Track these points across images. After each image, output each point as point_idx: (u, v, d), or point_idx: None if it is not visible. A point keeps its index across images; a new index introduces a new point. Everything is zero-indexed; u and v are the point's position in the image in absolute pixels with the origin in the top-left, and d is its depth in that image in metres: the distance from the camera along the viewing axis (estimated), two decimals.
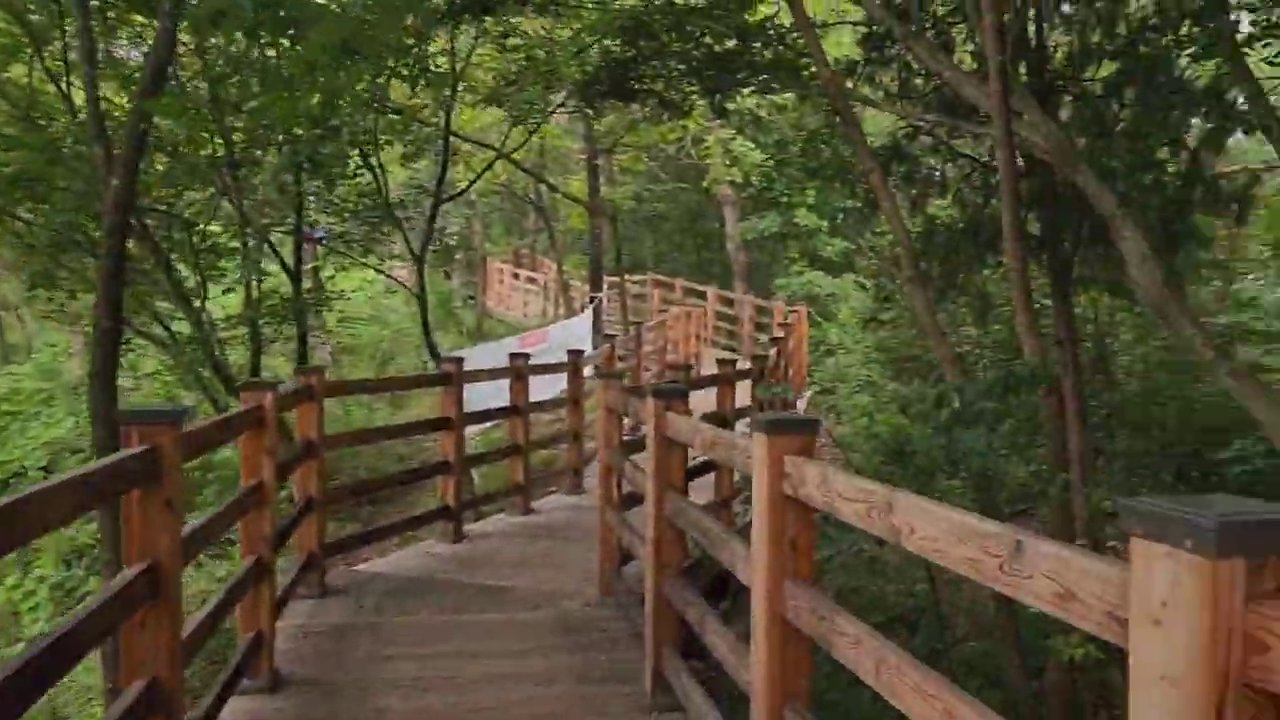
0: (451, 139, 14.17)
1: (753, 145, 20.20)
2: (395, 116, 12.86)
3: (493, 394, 10.26)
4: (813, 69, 9.04)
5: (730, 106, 11.81)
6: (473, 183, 15.90)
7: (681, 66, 11.27)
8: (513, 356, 10.03)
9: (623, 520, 6.66)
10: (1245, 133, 8.09)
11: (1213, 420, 11.64)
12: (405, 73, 11.02)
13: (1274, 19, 5.80)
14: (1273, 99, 6.22)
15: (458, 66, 12.10)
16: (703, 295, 25.07)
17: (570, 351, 11.29)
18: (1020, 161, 7.31)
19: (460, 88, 12.69)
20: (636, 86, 11.78)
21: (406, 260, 16.06)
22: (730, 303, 25.23)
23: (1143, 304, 6.29)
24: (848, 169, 10.57)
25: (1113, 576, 1.60)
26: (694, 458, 5.43)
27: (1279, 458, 9.76)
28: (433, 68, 11.74)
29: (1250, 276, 13.69)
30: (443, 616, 6.60)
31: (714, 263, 31.06)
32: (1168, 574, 1.45)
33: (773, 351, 12.59)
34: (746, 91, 11.80)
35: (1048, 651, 5.17)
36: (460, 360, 9.20)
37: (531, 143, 17.22)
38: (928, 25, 8.65)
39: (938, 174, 9.39)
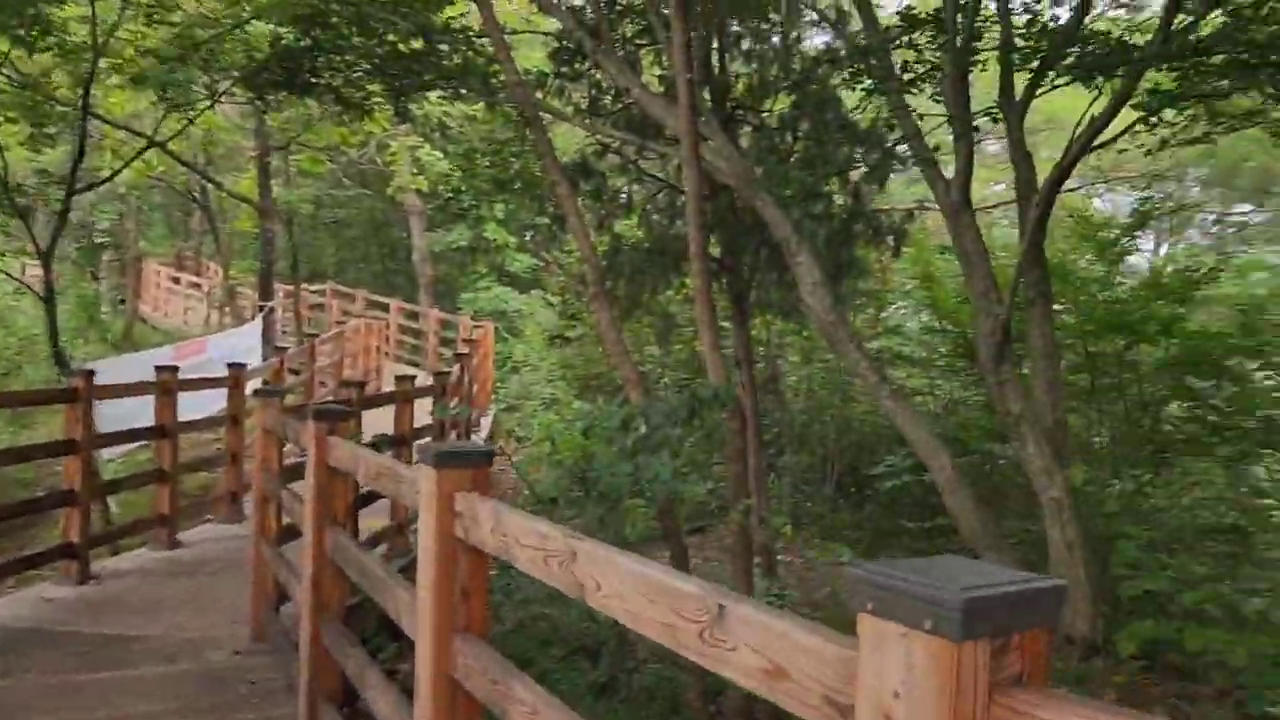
0: (96, 122, 12.47)
1: (440, 154, 19.63)
2: (22, 90, 11.10)
3: (139, 411, 9.01)
4: (503, 77, 8.72)
5: (416, 110, 11.24)
6: (116, 173, 14.08)
7: (364, 64, 10.58)
8: (159, 370, 8.85)
9: (279, 555, 5.93)
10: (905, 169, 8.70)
11: (865, 438, 12.58)
12: (23, 34, 9.46)
13: (935, 60, 6.21)
14: (931, 139, 6.66)
15: (99, 39, 10.60)
16: (385, 308, 24.05)
17: (230, 365, 10.18)
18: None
19: (103, 63, 11.15)
20: (313, 80, 10.92)
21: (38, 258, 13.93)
22: (415, 316, 24.39)
23: (814, 328, 6.52)
24: (537, 184, 10.36)
25: (835, 656, 1.34)
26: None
27: (922, 472, 10.57)
28: (67, 36, 10.21)
29: (895, 305, 14.96)
30: (51, 678, 5.53)
31: (399, 274, 30.01)
32: (901, 658, 1.19)
33: (456, 368, 12.12)
34: (433, 96, 11.29)
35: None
36: (91, 373, 7.94)
37: (191, 133, 15.58)
38: (617, 43, 8.61)
39: (625, 193, 9.38)
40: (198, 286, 26.83)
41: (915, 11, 5.96)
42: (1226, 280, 10.57)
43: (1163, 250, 18.31)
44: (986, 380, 6.71)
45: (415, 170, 18.76)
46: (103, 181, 14.29)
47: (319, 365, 14.25)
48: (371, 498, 7.02)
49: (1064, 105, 12.57)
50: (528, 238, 26.36)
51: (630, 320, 9.80)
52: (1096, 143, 6.29)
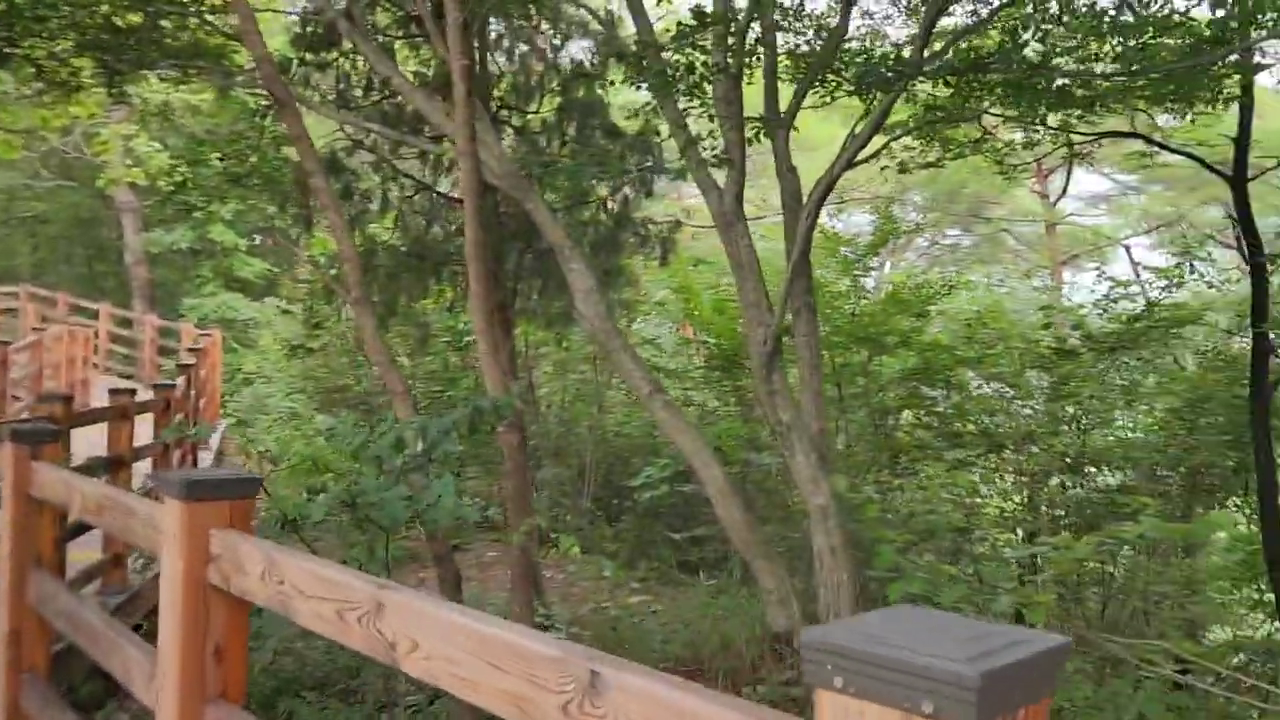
0: None
1: (159, 146, 17.90)
2: None
3: None
4: (240, 58, 7.91)
5: (135, 93, 10.05)
6: None
7: (72, 35, 9.32)
8: None
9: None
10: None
11: (621, 450, 12.54)
12: None
13: (710, 62, 6.16)
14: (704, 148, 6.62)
15: None
16: (94, 314, 21.61)
17: None
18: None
19: None
20: (7, 50, 9.50)
21: None
22: (128, 323, 22.10)
23: (590, 336, 6.30)
24: (278, 180, 9.54)
25: None
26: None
27: (683, 483, 10.62)
28: None
29: (647, 316, 15.09)
30: None
31: (109, 277, 27.18)
32: None
33: (181, 380, 10.94)
34: (155, 78, 10.15)
35: None
36: None
37: None
38: (369, 31, 8.04)
39: (377, 194, 8.79)
40: None
41: (706, 13, 5.87)
42: (947, 298, 11.37)
43: (886, 269, 19.68)
44: (757, 389, 6.74)
45: (130, 162, 16.93)
46: None
47: (12, 377, 12.47)
48: (83, 528, 6.08)
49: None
50: (258, 241, 24.66)
51: (384, 328, 9.19)
52: (859, 158, 6.47)
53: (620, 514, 11.91)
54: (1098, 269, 12.73)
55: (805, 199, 6.58)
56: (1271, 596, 8.70)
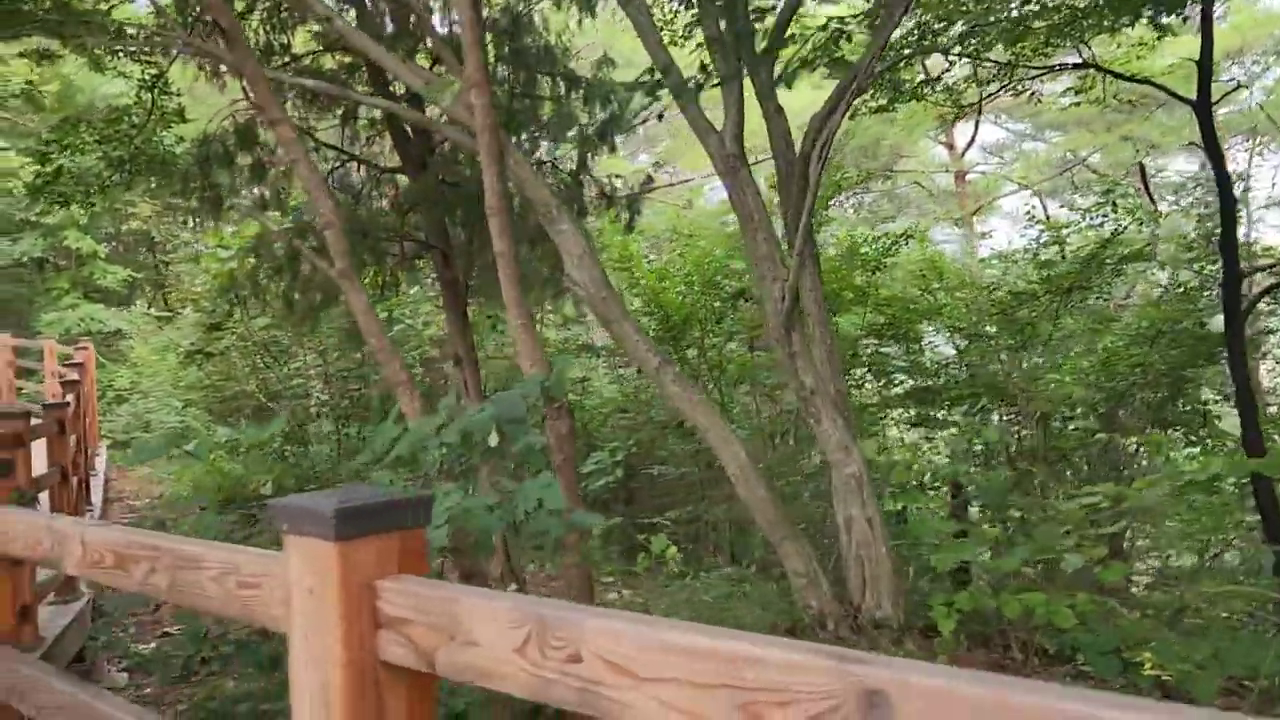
0: None
1: (2, 144, 16.07)
2: None
3: None
4: (122, 14, 6.76)
5: None
6: None
7: None
8: None
9: None
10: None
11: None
12: None
13: None
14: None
15: None
16: None
17: None
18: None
19: None
20: None
21: None
22: None
23: (585, 304, 5.54)
24: (169, 162, 8.40)
25: None
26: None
27: (636, 470, 9.95)
28: None
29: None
30: None
31: None
32: None
33: (70, 397, 9.60)
34: (13, 51, 8.81)
35: None
36: None
37: None
38: None
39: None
40: None
41: None
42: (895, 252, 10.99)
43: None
44: (777, 353, 6.09)
45: None
46: None
47: None
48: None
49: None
50: (115, 246, 22.74)
51: (316, 324, 8.18)
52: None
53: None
54: (1029, 214, 12.61)
55: (802, 141, 5.95)
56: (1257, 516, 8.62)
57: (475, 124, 4.56)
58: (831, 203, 12.10)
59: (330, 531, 1.48)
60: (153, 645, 8.86)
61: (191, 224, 8.92)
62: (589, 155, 7.21)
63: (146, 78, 7.77)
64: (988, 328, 10.40)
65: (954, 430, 9.42)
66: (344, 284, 4.72)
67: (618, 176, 7.78)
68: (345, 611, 1.49)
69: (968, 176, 20.91)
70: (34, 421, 7.39)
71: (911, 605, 6.16)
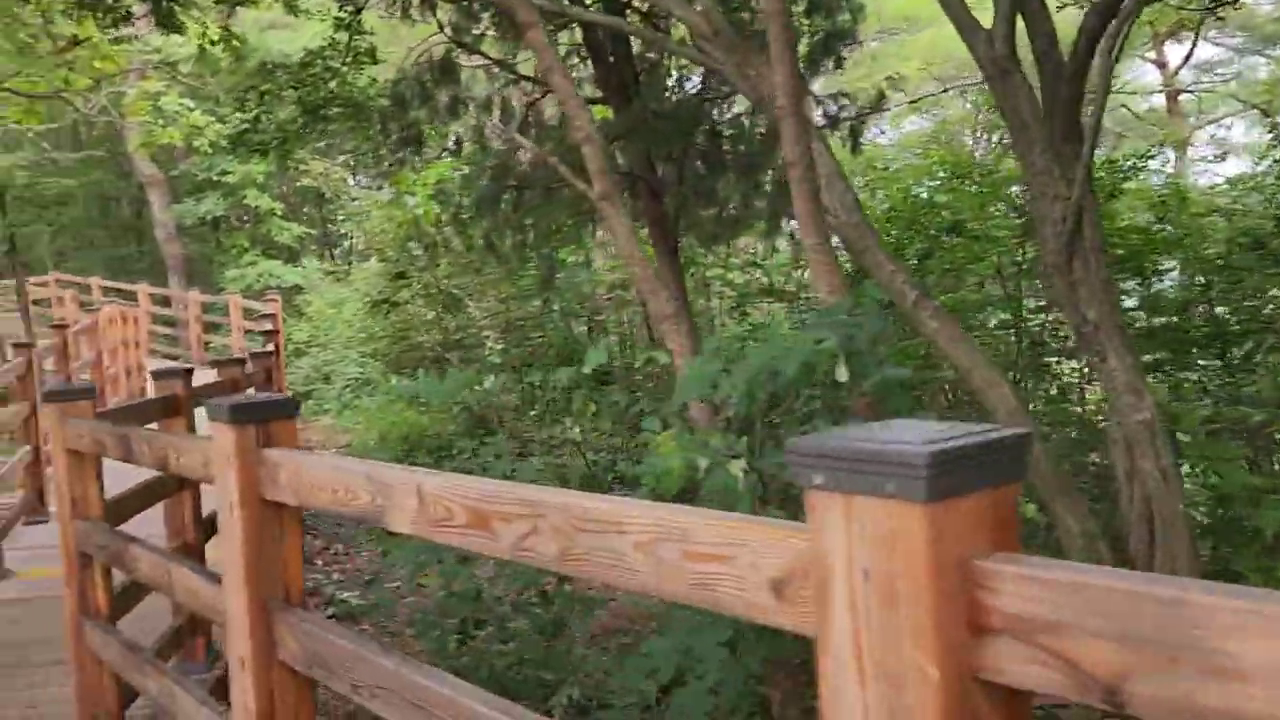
0: None
1: (189, 104, 16.47)
2: None
3: None
4: None
5: (188, 21, 8.65)
6: None
7: None
8: None
9: (121, 643, 3.75)
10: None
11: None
12: None
13: None
14: None
15: None
16: (132, 295, 20.32)
17: None
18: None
19: None
20: None
21: None
22: (168, 302, 20.89)
23: (835, 231, 4.97)
24: (364, 106, 8.21)
25: None
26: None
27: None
28: None
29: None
30: None
31: (137, 258, 25.91)
32: None
33: (270, 347, 9.70)
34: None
35: None
36: None
37: None
38: None
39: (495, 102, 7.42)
40: None
41: None
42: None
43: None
44: (1054, 281, 5.39)
45: (161, 123, 15.47)
46: None
47: (75, 365, 11.27)
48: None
49: None
50: (288, 205, 23.35)
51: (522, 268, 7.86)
52: None
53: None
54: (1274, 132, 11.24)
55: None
56: None
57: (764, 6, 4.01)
58: None
59: (919, 488, 0.97)
60: (356, 593, 8.80)
61: (387, 166, 8.71)
62: (811, 72, 6.57)
63: (345, 14, 7.55)
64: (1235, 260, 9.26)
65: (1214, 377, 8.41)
66: (604, 206, 4.26)
67: (844, 95, 7.11)
68: (937, 607, 0.99)
69: (1180, 97, 19.05)
70: (248, 369, 7.39)
71: (1202, 570, 5.41)
